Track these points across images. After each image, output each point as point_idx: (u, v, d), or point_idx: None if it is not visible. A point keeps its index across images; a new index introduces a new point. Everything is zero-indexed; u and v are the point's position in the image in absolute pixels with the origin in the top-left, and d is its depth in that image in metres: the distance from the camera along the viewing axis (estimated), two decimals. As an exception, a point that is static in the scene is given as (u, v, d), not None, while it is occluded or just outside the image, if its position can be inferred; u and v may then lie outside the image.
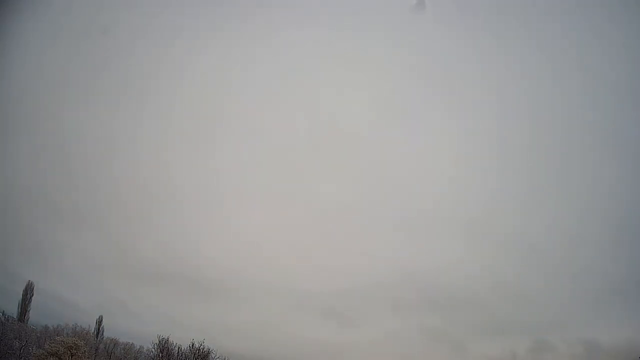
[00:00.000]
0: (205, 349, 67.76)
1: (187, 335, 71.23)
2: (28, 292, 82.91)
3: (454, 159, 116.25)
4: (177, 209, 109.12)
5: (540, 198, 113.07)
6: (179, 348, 68.49)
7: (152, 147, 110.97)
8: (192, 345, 67.89)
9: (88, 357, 64.57)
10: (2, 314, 78.55)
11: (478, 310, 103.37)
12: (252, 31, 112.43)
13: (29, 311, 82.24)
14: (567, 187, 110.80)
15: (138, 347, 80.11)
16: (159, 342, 67.81)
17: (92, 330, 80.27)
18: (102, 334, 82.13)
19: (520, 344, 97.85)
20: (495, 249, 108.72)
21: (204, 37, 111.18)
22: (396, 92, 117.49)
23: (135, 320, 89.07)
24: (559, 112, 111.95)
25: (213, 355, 68.37)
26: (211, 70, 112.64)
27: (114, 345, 78.29)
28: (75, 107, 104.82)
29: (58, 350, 56.64)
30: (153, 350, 68.61)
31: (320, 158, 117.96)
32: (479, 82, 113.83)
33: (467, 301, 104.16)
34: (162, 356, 66.87)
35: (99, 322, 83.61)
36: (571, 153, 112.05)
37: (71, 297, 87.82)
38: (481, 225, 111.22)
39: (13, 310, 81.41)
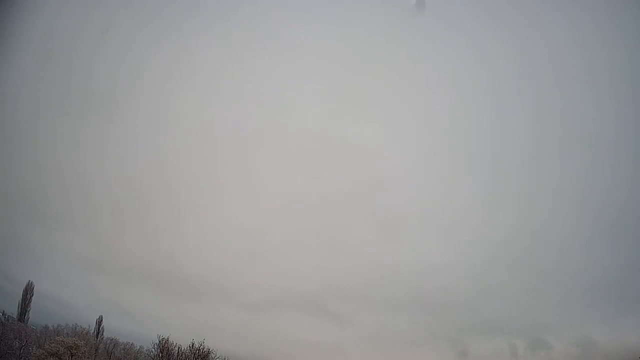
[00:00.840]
0: (205, 349, 67.82)
1: (175, 333, 71.63)
2: (28, 292, 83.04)
3: (444, 158, 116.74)
4: (166, 210, 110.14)
5: (532, 199, 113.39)
6: (178, 348, 68.56)
7: (148, 150, 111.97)
8: (192, 345, 68.02)
9: (88, 357, 64.73)
10: (2, 314, 78.70)
11: (467, 310, 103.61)
12: (247, 31, 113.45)
13: (29, 311, 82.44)
14: (559, 189, 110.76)
15: (138, 347, 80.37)
16: (159, 342, 67.85)
17: (92, 331, 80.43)
18: (102, 334, 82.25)
19: (513, 343, 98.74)
20: (484, 250, 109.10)
21: (195, 41, 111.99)
22: (385, 91, 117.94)
23: (128, 320, 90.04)
24: (553, 112, 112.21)
25: (213, 356, 68.48)
26: (200, 71, 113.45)
27: (114, 345, 78.39)
28: (68, 111, 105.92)
29: (58, 350, 56.74)
30: (153, 350, 68.65)
31: (306, 156, 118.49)
32: (473, 81, 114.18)
33: (455, 301, 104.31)
34: (162, 356, 66.90)
35: (99, 322, 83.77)
36: (566, 153, 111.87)
37: (63, 297, 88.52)
38: (470, 227, 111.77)
39: (13, 310, 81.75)
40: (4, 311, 79.68)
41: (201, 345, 67.75)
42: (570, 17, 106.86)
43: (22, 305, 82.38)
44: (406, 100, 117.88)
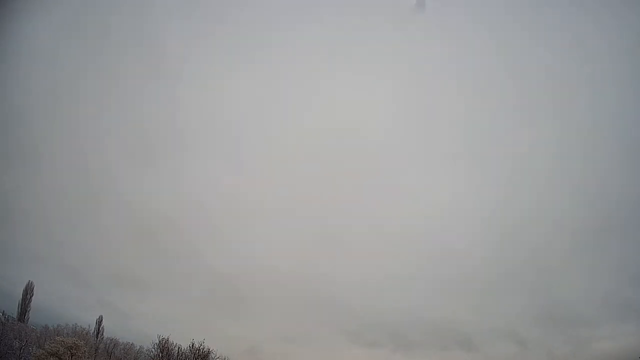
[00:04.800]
0: (205, 349, 67.84)
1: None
2: (28, 292, 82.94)
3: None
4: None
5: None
6: (178, 348, 68.59)
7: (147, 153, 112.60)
8: (192, 345, 68.02)
9: (88, 357, 64.64)
10: (2, 314, 78.62)
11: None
12: (250, 31, 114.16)
13: (29, 311, 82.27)
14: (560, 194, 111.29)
15: (138, 347, 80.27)
16: (159, 342, 67.82)
17: (92, 331, 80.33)
18: (102, 334, 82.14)
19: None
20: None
21: (199, 39, 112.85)
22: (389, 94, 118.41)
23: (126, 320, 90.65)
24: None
25: (213, 356, 68.49)
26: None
27: (114, 345, 78.29)
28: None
29: (58, 350, 56.57)
30: (153, 350, 68.63)
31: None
32: (472, 82, 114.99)
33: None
34: (162, 356, 66.85)
35: (99, 322, 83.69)
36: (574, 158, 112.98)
37: (63, 297, 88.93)
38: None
39: (13, 310, 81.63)
40: (4, 311, 79.62)
41: (201, 345, 67.88)
42: (574, 15, 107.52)
43: (22, 305, 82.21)
44: (413, 104, 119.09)
